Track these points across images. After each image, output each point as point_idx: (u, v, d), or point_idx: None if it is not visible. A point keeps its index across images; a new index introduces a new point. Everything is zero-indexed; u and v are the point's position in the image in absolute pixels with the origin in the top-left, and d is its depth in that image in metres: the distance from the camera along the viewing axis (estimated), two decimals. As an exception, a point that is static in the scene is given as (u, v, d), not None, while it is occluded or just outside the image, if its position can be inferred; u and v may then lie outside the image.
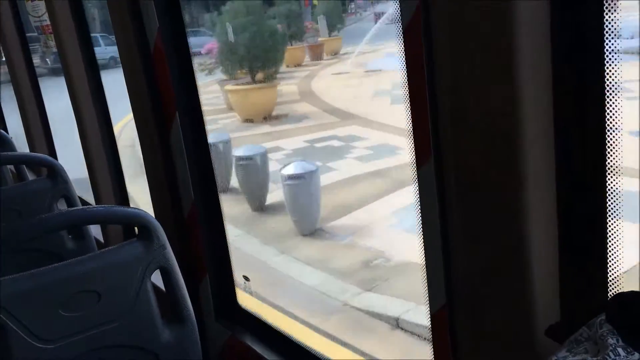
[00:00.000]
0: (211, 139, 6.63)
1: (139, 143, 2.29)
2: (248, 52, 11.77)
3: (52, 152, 4.18)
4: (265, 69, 12.05)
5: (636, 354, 0.80)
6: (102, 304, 1.67)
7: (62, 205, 2.61)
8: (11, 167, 3.53)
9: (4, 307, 1.53)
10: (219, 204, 2.26)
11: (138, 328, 1.73)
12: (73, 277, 1.64)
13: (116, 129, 3.05)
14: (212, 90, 13.42)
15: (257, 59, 11.90)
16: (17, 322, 1.55)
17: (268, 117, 11.95)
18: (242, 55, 11.90)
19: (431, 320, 1.31)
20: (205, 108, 2.09)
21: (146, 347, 1.75)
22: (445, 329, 1.24)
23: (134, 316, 1.71)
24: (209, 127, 2.12)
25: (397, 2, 1.19)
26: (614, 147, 0.99)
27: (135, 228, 2.50)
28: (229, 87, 12.34)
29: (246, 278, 2.31)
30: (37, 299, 1.59)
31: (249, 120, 11.87)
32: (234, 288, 2.32)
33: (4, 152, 3.25)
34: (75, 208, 2.36)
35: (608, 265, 1.03)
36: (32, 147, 4.22)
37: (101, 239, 3.11)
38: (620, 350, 0.82)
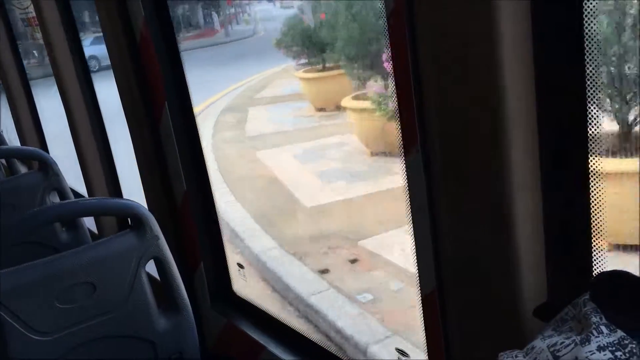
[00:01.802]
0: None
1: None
2: None
3: (44, 146, 4.17)
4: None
5: (619, 332, 0.82)
6: (97, 295, 1.68)
7: (54, 198, 2.62)
8: (2, 160, 3.52)
9: None
10: (212, 192, 2.27)
11: (134, 318, 1.74)
12: (67, 269, 1.65)
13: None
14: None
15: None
16: (13, 315, 1.57)
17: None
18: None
19: (422, 304, 1.33)
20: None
21: (143, 337, 1.77)
22: (436, 312, 1.26)
23: (129, 306, 1.73)
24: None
25: (381, -11, 1.19)
26: (594, 125, 1.01)
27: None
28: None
29: (240, 266, 2.33)
30: (33, 291, 1.60)
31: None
32: (229, 276, 2.34)
33: None
34: (68, 201, 2.37)
35: (593, 245, 1.05)
36: (23, 141, 4.21)
37: (95, 230, 3.12)
38: (603, 328, 0.84)
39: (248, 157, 7.49)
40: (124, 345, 1.76)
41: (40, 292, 1.62)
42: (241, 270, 2.36)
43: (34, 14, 3.31)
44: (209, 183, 2.25)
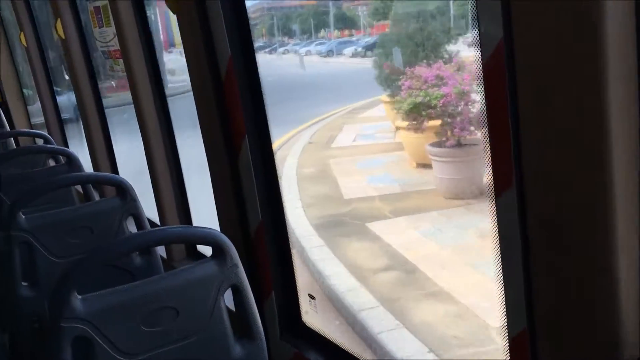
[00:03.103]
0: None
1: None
2: None
3: (115, 171, 4.34)
4: None
5: None
6: (180, 320, 1.73)
7: (130, 223, 2.71)
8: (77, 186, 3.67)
9: (90, 322, 1.62)
10: (285, 223, 2.32)
11: (212, 344, 1.79)
12: (154, 293, 1.72)
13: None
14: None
15: None
16: (103, 336, 1.63)
17: None
18: None
19: (510, 345, 1.32)
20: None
21: None
22: (526, 354, 1.25)
23: (208, 332, 1.77)
24: None
25: (477, 33, 1.23)
26: None
27: (197, 246, 2.56)
28: None
29: (311, 297, 2.35)
30: (121, 314, 1.67)
31: None
32: (299, 306, 2.37)
33: (73, 172, 3.39)
34: (159, 228, 2.46)
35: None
36: (96, 167, 4.39)
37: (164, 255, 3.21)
38: None
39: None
40: None
41: (128, 315, 1.68)
42: (312, 301, 2.39)
43: (115, 47, 3.50)
44: (284, 213, 2.30)
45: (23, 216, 2.46)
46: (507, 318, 1.31)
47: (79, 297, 1.62)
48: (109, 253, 1.75)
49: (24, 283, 2.46)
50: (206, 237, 1.82)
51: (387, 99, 8.95)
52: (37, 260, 2.47)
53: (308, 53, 18.10)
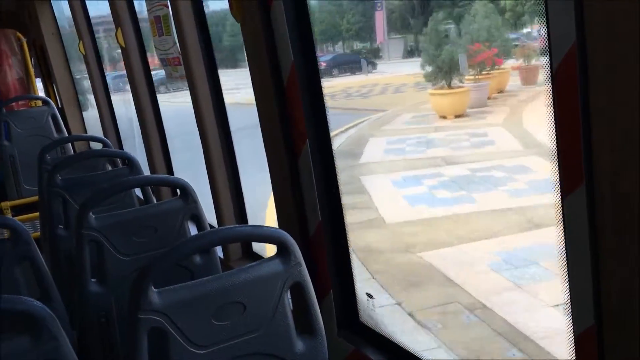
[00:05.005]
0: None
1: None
2: None
3: (171, 173, 4.49)
4: None
5: None
6: (246, 315, 1.81)
7: (190, 224, 2.81)
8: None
9: (166, 314, 1.71)
10: (344, 224, 2.37)
11: (276, 338, 1.86)
12: (223, 289, 1.80)
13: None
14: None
15: None
16: (177, 328, 1.72)
17: None
18: None
19: (575, 342, 1.34)
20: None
21: (282, 356, 1.88)
22: (593, 352, 1.27)
23: (273, 327, 1.85)
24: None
25: (546, 36, 1.26)
26: None
27: (251, 244, 2.62)
28: None
29: (369, 296, 2.40)
30: (194, 307, 1.76)
31: None
32: (357, 305, 2.42)
33: (134, 175, 3.52)
34: (228, 227, 2.55)
35: None
36: (152, 169, 4.54)
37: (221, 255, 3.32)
38: None
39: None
40: None
41: (199, 309, 1.77)
42: (370, 300, 2.44)
43: (173, 56, 3.63)
44: (343, 215, 2.36)
45: (93, 216, 2.58)
46: (572, 315, 1.33)
47: (155, 290, 1.72)
48: (186, 249, 1.84)
49: (92, 280, 2.58)
50: (272, 236, 1.89)
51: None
52: (105, 258, 2.59)
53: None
